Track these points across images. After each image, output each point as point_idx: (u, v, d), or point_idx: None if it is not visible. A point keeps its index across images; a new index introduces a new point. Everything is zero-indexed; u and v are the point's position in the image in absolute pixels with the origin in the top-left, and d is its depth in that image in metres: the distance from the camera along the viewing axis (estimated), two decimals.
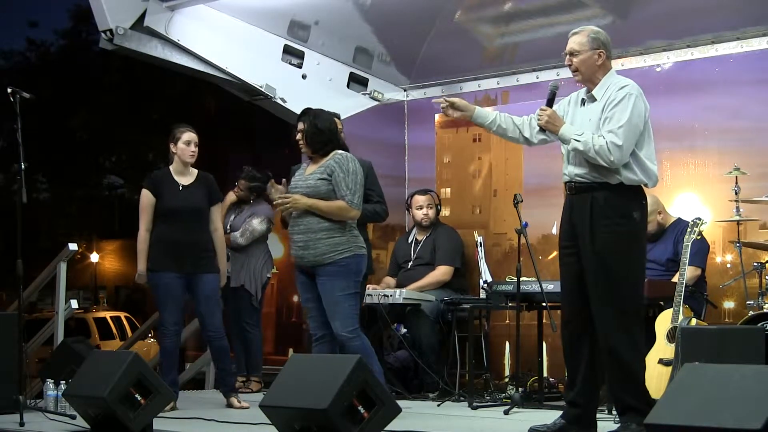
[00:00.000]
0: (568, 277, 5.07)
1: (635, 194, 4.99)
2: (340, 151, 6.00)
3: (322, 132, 5.98)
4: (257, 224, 7.77)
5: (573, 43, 5.03)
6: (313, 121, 6.00)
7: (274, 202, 6.09)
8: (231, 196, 7.88)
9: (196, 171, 6.74)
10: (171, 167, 6.71)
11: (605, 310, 4.89)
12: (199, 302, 6.62)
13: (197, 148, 6.67)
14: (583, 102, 5.10)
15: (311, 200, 5.89)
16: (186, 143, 6.64)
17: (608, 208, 4.92)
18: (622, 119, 4.88)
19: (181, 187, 6.64)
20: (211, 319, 6.63)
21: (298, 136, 6.03)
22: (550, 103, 5.05)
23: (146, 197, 6.67)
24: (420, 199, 7.85)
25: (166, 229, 6.60)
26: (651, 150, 5.01)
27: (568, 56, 5.04)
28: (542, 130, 5.12)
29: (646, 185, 5.03)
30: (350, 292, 5.92)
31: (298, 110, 8.38)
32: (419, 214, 7.83)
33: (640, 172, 4.96)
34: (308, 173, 6.02)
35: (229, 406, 6.68)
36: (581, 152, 4.90)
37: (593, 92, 5.04)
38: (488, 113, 5.20)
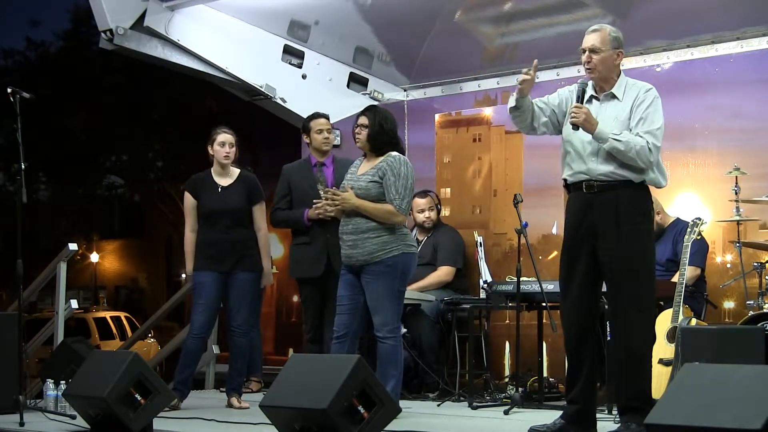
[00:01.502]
0: (575, 275, 5.04)
1: (649, 193, 5.05)
2: (395, 153, 5.97)
3: (386, 133, 5.98)
4: None
5: (594, 40, 5.00)
6: (380, 120, 5.99)
7: (324, 200, 6.07)
8: None
9: (237, 171, 6.78)
10: (212, 169, 6.77)
11: (629, 309, 4.90)
12: (231, 298, 6.68)
13: (233, 149, 6.70)
14: (590, 99, 5.09)
15: (360, 201, 5.89)
16: (221, 144, 6.68)
17: (632, 207, 4.94)
18: (657, 121, 4.92)
19: (220, 189, 6.70)
20: (236, 315, 6.67)
21: (358, 129, 6.03)
22: (580, 100, 5.03)
23: (188, 200, 6.76)
24: (420, 203, 7.83)
25: (207, 230, 6.67)
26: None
27: (587, 53, 5.00)
28: (557, 121, 5.11)
29: (661, 185, 5.07)
30: (395, 292, 5.91)
31: (298, 110, 8.47)
32: (421, 217, 7.82)
33: (658, 172, 5.01)
34: (361, 173, 6.01)
35: (230, 405, 6.69)
36: (620, 152, 4.88)
37: (613, 91, 5.03)
38: (528, 98, 5.09)
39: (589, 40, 5.02)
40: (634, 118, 4.94)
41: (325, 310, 6.70)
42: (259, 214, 6.76)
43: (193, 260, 6.70)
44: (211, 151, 6.73)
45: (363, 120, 6.00)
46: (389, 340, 5.89)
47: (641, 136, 4.88)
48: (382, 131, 5.95)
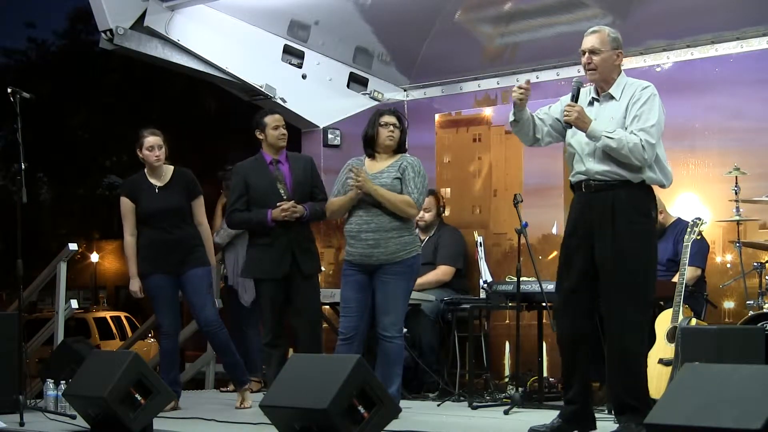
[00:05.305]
0: (573, 275, 5.03)
1: (651, 193, 5.04)
2: (408, 154, 6.15)
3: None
4: None
5: (594, 41, 5.01)
6: (404, 121, 6.16)
7: (350, 173, 5.98)
8: (222, 198, 7.89)
9: (171, 169, 6.71)
10: (145, 170, 6.70)
11: (623, 309, 4.88)
12: (189, 296, 6.59)
13: (162, 150, 6.63)
14: (591, 101, 5.09)
15: (378, 187, 5.93)
16: (149, 149, 6.63)
17: (630, 207, 4.92)
18: (652, 118, 4.90)
19: (157, 190, 6.63)
20: (203, 313, 6.58)
21: (390, 129, 6.06)
22: (575, 99, 5.03)
23: (125, 204, 6.66)
24: None
25: (150, 232, 6.58)
26: (663, 151, 5.04)
27: (587, 54, 5.01)
28: (560, 128, 5.10)
29: (663, 185, 5.05)
30: (408, 292, 6.05)
31: (298, 110, 8.48)
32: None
33: (659, 171, 4.99)
34: (376, 170, 6.04)
35: (242, 398, 6.63)
36: (613, 149, 4.88)
37: (610, 91, 5.03)
38: (527, 110, 5.13)
39: (589, 41, 5.03)
40: (629, 116, 4.93)
41: (290, 311, 6.44)
42: (199, 209, 6.68)
43: (137, 264, 6.58)
44: (140, 155, 6.66)
45: (393, 120, 6.09)
46: (397, 339, 5.96)
47: (635, 134, 4.87)
48: (405, 132, 6.13)
